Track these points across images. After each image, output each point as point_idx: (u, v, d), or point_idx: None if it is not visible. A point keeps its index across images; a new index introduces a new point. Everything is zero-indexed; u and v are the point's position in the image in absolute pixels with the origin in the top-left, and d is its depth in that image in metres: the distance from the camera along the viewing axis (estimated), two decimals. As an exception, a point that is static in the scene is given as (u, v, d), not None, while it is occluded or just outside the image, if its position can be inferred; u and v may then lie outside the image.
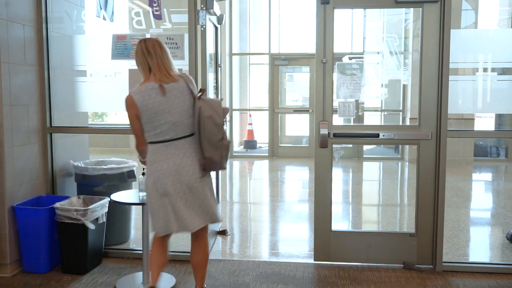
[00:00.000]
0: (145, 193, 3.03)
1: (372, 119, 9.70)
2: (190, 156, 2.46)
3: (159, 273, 2.65)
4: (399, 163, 9.05)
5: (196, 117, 2.42)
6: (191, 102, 2.48)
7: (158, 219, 2.49)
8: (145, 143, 2.52)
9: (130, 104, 2.43)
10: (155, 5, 3.54)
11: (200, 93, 2.48)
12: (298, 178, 7.93)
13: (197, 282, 2.68)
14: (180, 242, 3.94)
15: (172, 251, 3.64)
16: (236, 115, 10.20)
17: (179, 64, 3.36)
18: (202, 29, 3.45)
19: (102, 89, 3.68)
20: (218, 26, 4.07)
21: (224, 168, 2.57)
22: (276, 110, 9.42)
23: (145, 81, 2.46)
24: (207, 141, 2.43)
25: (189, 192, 2.45)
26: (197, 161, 2.48)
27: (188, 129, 2.48)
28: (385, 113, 9.50)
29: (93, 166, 3.72)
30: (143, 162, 2.66)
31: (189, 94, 2.48)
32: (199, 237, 2.65)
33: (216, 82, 4.10)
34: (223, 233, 4.24)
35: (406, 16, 8.49)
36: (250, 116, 10.42)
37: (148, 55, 2.45)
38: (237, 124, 10.35)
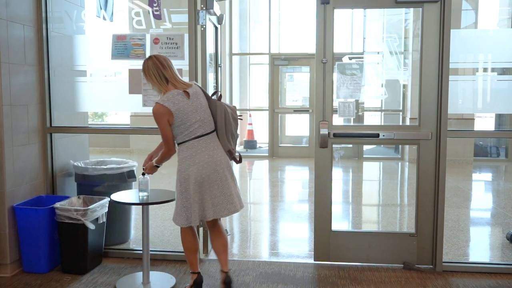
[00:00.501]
0: (145, 193, 3.06)
1: (372, 119, 9.70)
2: (218, 148, 2.79)
3: (197, 258, 2.93)
4: (399, 163, 9.05)
5: (222, 115, 2.81)
6: (207, 103, 2.83)
7: (195, 210, 2.70)
8: (175, 148, 2.79)
9: (162, 111, 2.66)
10: (155, 5, 3.54)
11: (220, 95, 2.91)
12: (298, 178, 7.93)
13: (222, 265, 2.89)
14: (180, 242, 3.94)
15: (172, 251, 3.66)
16: (236, 115, 10.19)
17: (179, 64, 3.36)
18: (202, 29, 3.45)
19: (102, 89, 3.68)
20: (218, 26, 4.07)
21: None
22: (276, 110, 9.42)
23: (167, 91, 2.72)
24: (230, 134, 2.84)
25: (225, 181, 2.76)
26: (224, 153, 2.81)
27: (211, 125, 2.81)
28: (383, 113, 9.50)
29: (93, 166, 3.72)
30: (151, 170, 2.92)
31: (204, 96, 2.83)
32: (216, 225, 2.90)
33: (216, 82, 4.10)
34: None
35: (406, 16, 8.49)
36: (250, 116, 10.42)
37: (163, 68, 2.72)
38: (237, 124, 10.34)
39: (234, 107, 2.94)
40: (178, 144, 2.77)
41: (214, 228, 2.91)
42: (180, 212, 2.75)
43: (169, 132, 2.71)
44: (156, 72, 2.71)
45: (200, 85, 2.91)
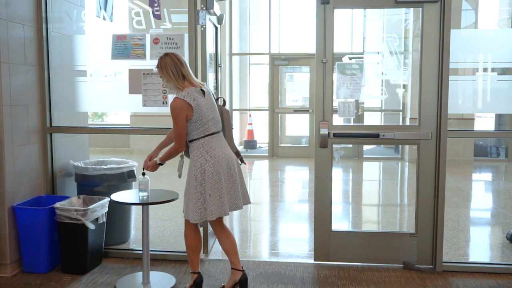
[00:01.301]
0: (145, 193, 3.06)
1: (372, 119, 9.70)
2: (227, 146, 2.91)
3: (199, 258, 2.96)
4: (399, 163, 9.05)
5: (228, 120, 2.99)
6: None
7: (211, 205, 2.74)
8: (185, 145, 2.83)
9: (183, 106, 2.71)
10: (155, 5, 3.54)
11: (224, 102, 3.09)
12: (298, 178, 7.93)
13: (236, 265, 2.93)
14: (180, 242, 3.95)
15: (172, 251, 3.66)
16: (236, 115, 10.21)
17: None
18: (202, 29, 3.45)
19: (102, 89, 3.68)
20: (218, 26, 4.07)
21: None
22: (276, 110, 9.42)
23: (184, 87, 2.77)
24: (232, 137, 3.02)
25: (236, 176, 2.88)
26: (231, 151, 2.92)
27: (220, 125, 2.92)
28: (383, 113, 9.50)
29: (93, 166, 3.72)
30: (153, 168, 2.94)
31: (213, 97, 2.96)
32: (222, 225, 2.94)
33: (216, 82, 4.10)
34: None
35: (406, 16, 8.49)
36: (250, 116, 10.42)
37: (181, 65, 2.79)
38: (237, 124, 10.36)
39: None
40: (191, 141, 2.80)
41: (220, 229, 2.93)
42: (194, 207, 2.75)
43: (185, 127, 2.75)
44: (174, 68, 2.77)
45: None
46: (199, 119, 2.75)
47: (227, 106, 3.98)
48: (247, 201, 2.96)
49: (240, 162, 3.00)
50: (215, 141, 2.81)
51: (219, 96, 3.16)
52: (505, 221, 4.92)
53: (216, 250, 3.81)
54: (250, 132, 10.28)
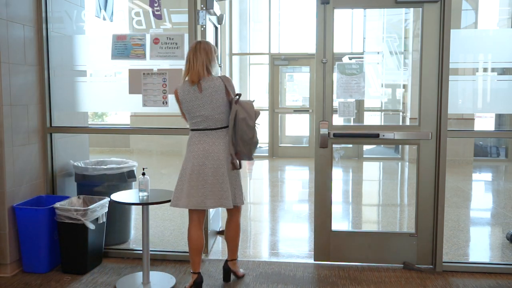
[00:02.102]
0: (145, 193, 3.08)
1: (372, 119, 9.70)
2: (218, 145, 2.82)
3: (200, 258, 2.95)
4: (399, 163, 9.05)
5: (232, 119, 2.79)
6: (225, 100, 2.82)
7: (184, 195, 2.83)
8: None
9: (176, 95, 2.90)
10: (155, 5, 3.54)
11: (238, 97, 2.82)
12: (298, 178, 7.93)
13: (229, 253, 3.16)
14: (180, 242, 3.95)
15: (172, 251, 3.66)
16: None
17: (179, 64, 3.37)
18: (202, 29, 3.45)
19: (102, 89, 3.68)
20: (218, 26, 4.07)
21: (252, 159, 3.00)
22: (276, 110, 9.42)
23: (184, 80, 2.87)
24: (240, 138, 2.84)
25: (211, 175, 2.80)
26: (224, 150, 2.83)
27: (219, 122, 2.84)
28: (383, 113, 9.50)
29: (93, 166, 3.72)
30: None
31: (224, 93, 2.82)
32: (233, 215, 3.09)
33: (216, 82, 4.09)
34: (223, 233, 4.23)
35: (406, 16, 8.49)
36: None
37: (188, 59, 2.84)
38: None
39: (255, 112, 2.83)
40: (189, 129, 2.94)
41: (230, 217, 3.10)
42: (174, 192, 2.90)
43: (183, 113, 2.94)
44: (188, 56, 2.86)
45: (228, 80, 2.85)
46: (187, 112, 2.86)
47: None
48: (238, 202, 2.99)
49: (233, 166, 2.90)
50: (201, 137, 2.84)
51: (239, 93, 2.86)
52: (505, 221, 4.92)
53: (216, 250, 3.82)
54: (250, 132, 10.26)
